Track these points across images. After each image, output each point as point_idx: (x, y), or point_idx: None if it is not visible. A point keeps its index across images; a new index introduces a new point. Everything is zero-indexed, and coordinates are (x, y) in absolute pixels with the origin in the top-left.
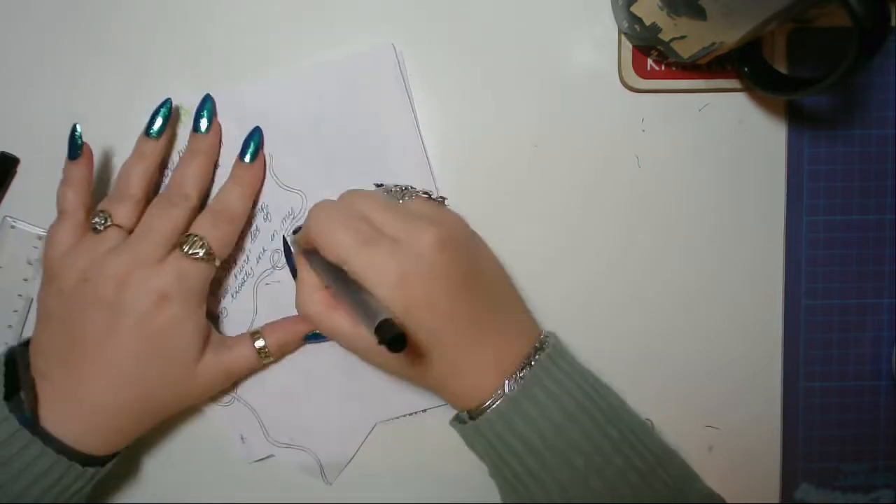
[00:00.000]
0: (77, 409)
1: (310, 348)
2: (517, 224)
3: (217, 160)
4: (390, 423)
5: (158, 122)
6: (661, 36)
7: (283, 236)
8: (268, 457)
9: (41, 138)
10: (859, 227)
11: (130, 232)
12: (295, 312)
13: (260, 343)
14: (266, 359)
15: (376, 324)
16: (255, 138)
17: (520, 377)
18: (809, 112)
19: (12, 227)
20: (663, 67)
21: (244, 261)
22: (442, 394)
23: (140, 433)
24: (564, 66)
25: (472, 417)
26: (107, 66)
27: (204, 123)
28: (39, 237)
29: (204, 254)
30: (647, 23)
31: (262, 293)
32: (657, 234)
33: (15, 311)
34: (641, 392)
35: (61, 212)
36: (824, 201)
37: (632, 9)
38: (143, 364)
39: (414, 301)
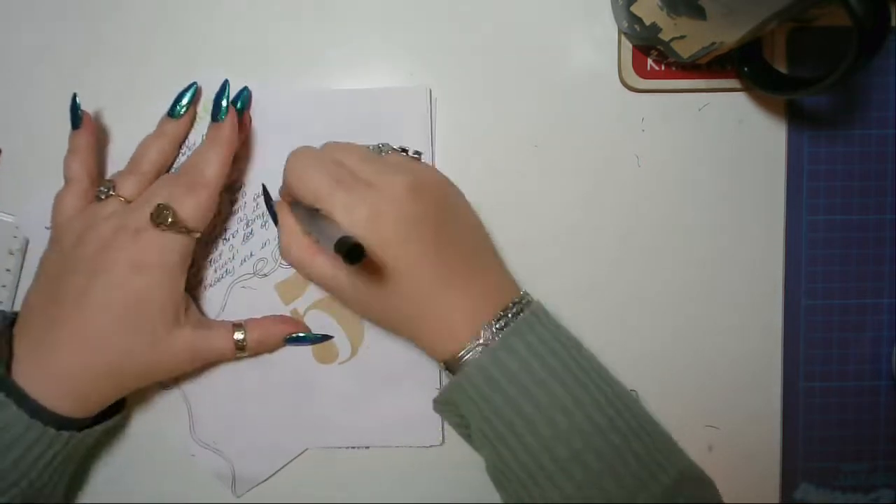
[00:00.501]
0: (47, 366)
1: (271, 357)
2: (517, 224)
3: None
4: (327, 453)
5: (183, 102)
6: (661, 36)
7: (263, 184)
8: (190, 455)
9: (24, 129)
10: (859, 227)
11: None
12: None
13: (240, 335)
14: (241, 352)
15: (336, 241)
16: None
17: (496, 328)
18: (809, 112)
19: None
20: (663, 67)
21: (229, 258)
22: (418, 341)
23: (112, 399)
24: (564, 66)
25: (450, 371)
26: (107, 65)
27: (222, 113)
28: (19, 227)
29: (171, 223)
30: (647, 23)
31: (235, 293)
32: (657, 234)
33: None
34: (641, 391)
35: (67, 179)
36: (824, 201)
37: (632, 9)
38: (112, 330)
39: (384, 240)
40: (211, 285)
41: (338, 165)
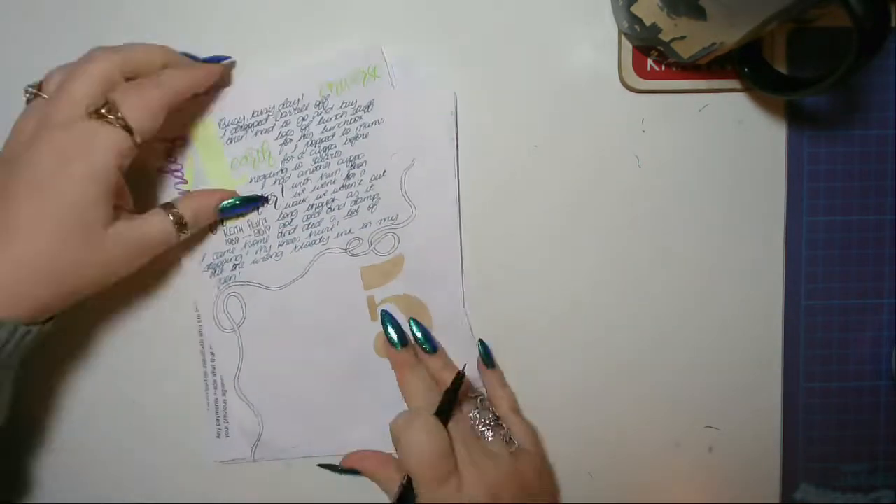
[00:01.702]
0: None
1: (336, 341)
2: (517, 224)
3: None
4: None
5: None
6: (661, 36)
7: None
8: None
9: None
10: (859, 227)
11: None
12: None
13: (174, 214)
14: (182, 231)
15: None
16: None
17: None
18: (809, 112)
19: None
20: (663, 68)
21: (328, 227)
22: None
23: (52, 307)
24: (564, 66)
25: None
26: None
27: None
28: None
29: (114, 118)
30: (647, 23)
31: (321, 262)
32: (657, 234)
33: None
34: (641, 392)
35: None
36: (824, 201)
37: (632, 9)
38: (43, 224)
39: None
40: (302, 247)
41: (442, 463)
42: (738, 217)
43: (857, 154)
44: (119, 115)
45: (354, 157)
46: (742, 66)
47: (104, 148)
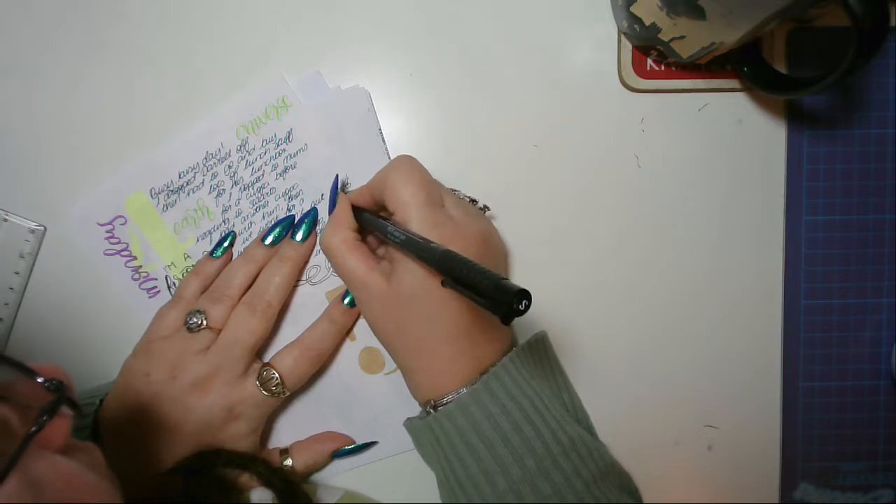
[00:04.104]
0: (131, 459)
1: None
2: (517, 223)
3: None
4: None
5: (275, 232)
6: (660, 36)
7: (337, 174)
8: None
9: (38, 134)
10: (859, 226)
11: (221, 329)
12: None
13: (288, 462)
14: (289, 472)
15: (497, 283)
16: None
17: (482, 377)
18: (809, 112)
19: (5, 219)
20: (663, 67)
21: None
22: (409, 372)
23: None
24: (564, 66)
25: (434, 409)
26: (107, 65)
27: (301, 234)
28: (32, 230)
29: (277, 391)
30: (647, 23)
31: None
32: (657, 234)
33: (6, 304)
34: (641, 391)
35: (179, 296)
36: (824, 201)
37: (632, 9)
38: (192, 446)
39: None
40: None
41: (435, 190)
42: (737, 216)
43: (857, 153)
44: (286, 389)
45: (290, 189)
46: (742, 65)
47: (266, 408)
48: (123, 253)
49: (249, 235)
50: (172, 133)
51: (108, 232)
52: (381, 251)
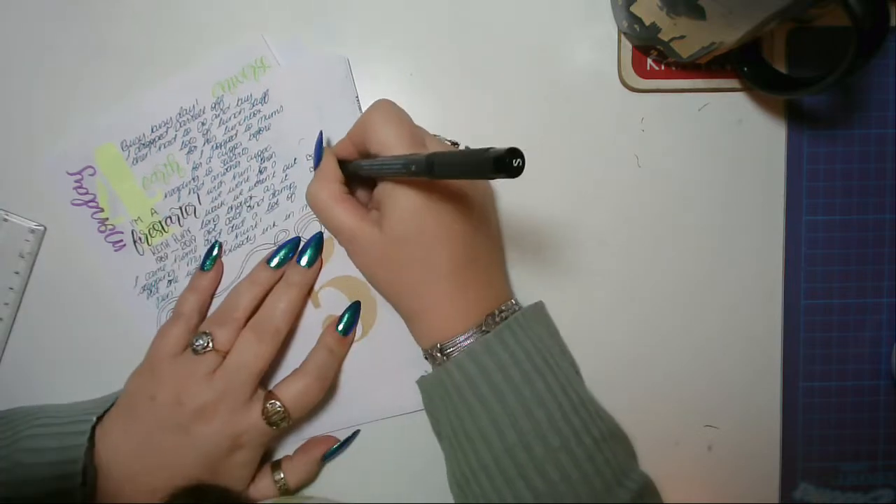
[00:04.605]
0: (129, 486)
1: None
2: (517, 223)
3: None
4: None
5: (281, 255)
6: (660, 36)
7: (321, 130)
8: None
9: (37, 134)
10: (859, 226)
11: (227, 352)
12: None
13: (280, 476)
14: (283, 487)
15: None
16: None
17: (485, 327)
18: (809, 112)
19: (5, 219)
20: (663, 67)
21: (252, 226)
22: (413, 318)
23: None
24: (564, 66)
25: (441, 353)
26: (107, 65)
27: (306, 259)
28: (32, 230)
29: (283, 424)
30: (647, 23)
31: (253, 261)
32: (656, 234)
33: (6, 303)
34: (641, 391)
35: (178, 313)
36: (824, 201)
37: (632, 9)
38: (193, 477)
39: (429, 209)
40: (231, 250)
41: (416, 128)
42: (737, 216)
43: (857, 153)
44: (286, 419)
45: (262, 151)
46: (741, 65)
47: (270, 437)
48: (91, 204)
49: (218, 195)
50: (147, 87)
51: (76, 182)
52: (368, 203)
